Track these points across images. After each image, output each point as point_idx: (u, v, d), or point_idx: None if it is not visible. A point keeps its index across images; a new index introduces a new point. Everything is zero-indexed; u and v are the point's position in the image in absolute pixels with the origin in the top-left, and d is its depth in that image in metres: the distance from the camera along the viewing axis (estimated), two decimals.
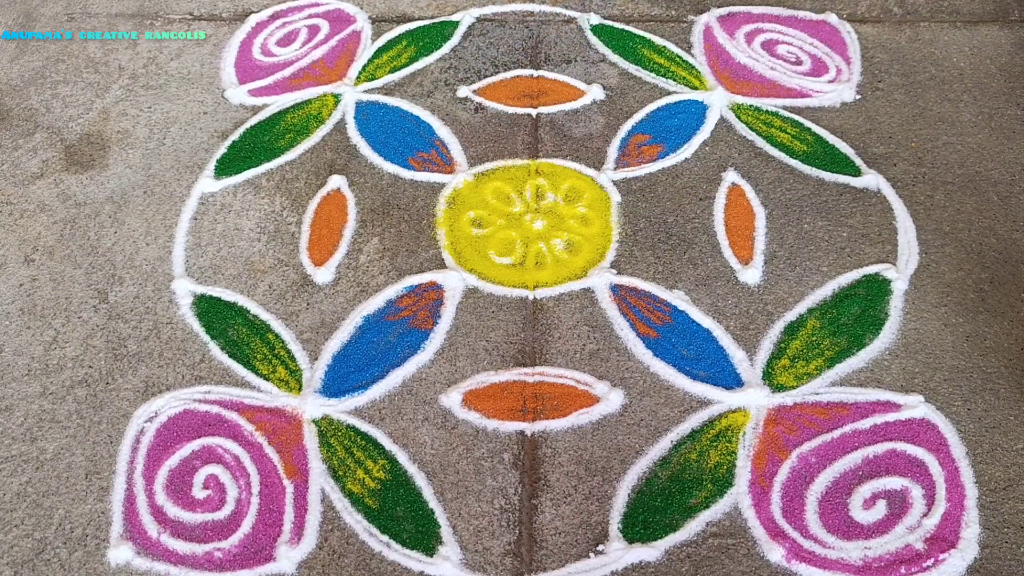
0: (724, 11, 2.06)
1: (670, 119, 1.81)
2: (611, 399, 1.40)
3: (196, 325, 1.52)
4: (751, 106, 1.84)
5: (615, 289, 1.54)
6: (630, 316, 1.50)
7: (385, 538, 1.28)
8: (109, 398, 1.43)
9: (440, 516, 1.30)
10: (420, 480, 1.33)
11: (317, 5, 2.10)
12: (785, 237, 1.60)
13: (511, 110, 1.85)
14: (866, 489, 1.30)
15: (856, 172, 1.70)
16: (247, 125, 1.84)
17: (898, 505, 1.28)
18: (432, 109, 1.86)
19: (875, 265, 1.56)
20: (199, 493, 1.33)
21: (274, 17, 2.08)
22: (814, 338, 1.46)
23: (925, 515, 1.27)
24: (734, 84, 1.89)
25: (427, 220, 1.66)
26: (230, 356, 1.48)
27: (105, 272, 1.60)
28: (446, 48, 1.98)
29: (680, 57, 1.95)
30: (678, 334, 1.48)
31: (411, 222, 1.66)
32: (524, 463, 1.34)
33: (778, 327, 1.49)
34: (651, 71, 1.92)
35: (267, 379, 1.45)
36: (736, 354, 1.45)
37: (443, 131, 1.81)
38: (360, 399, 1.42)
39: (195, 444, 1.38)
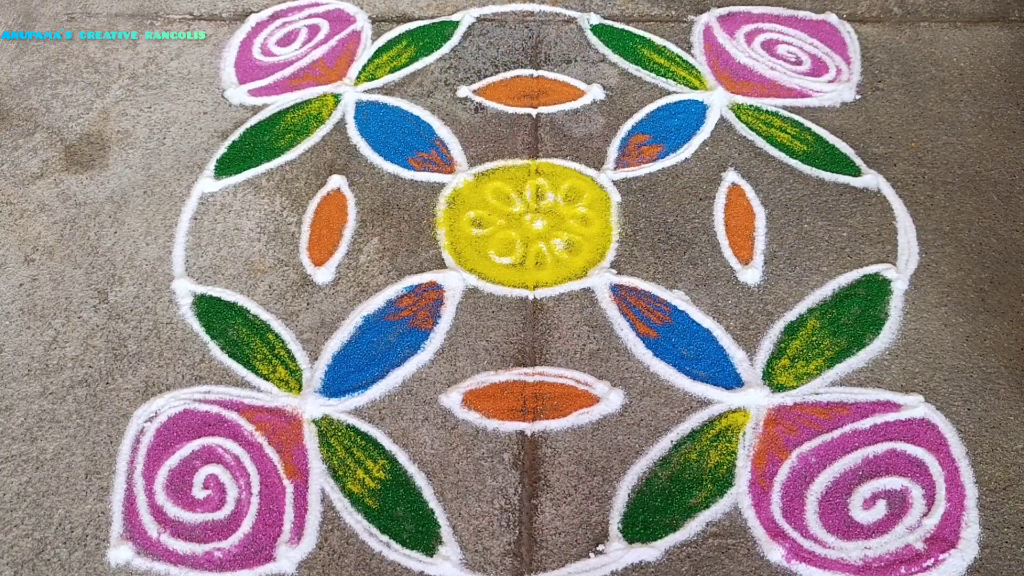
0: (724, 11, 2.06)
1: (670, 119, 1.81)
2: (611, 399, 1.40)
3: (196, 325, 1.52)
4: (751, 106, 1.84)
5: (615, 289, 1.53)
6: (630, 316, 1.50)
7: (385, 538, 1.28)
8: (109, 398, 1.43)
9: (440, 516, 1.30)
10: (420, 480, 1.33)
11: (317, 5, 2.10)
12: (785, 237, 1.60)
13: (511, 110, 1.85)
14: (866, 489, 1.30)
15: (856, 172, 1.70)
16: (247, 125, 1.84)
17: (898, 505, 1.28)
18: (432, 109, 1.86)
19: (875, 265, 1.56)
20: (199, 493, 1.33)
21: (274, 17, 2.08)
22: (814, 338, 1.46)
23: (925, 515, 1.27)
24: (734, 84, 1.89)
25: (427, 220, 1.66)
26: (230, 356, 1.48)
27: (105, 272, 1.60)
28: (446, 48, 1.98)
29: (680, 57, 1.95)
30: (678, 334, 1.48)
31: (411, 222, 1.66)
32: (524, 463, 1.34)
33: (778, 327, 1.49)
34: (651, 71, 1.92)
35: (267, 379, 1.45)
36: (736, 354, 1.45)
37: (443, 131, 1.81)
38: (360, 399, 1.42)
39: (195, 444, 1.38)
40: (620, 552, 1.25)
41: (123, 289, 1.57)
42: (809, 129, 1.79)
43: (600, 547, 1.26)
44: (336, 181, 1.73)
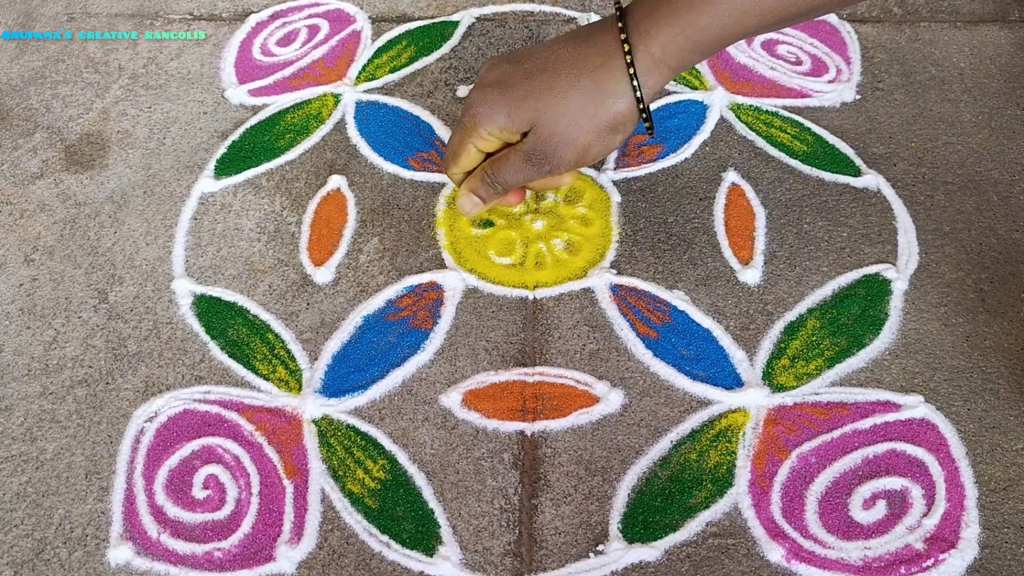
0: None
1: (670, 119, 1.81)
2: (611, 399, 1.40)
3: (196, 325, 1.52)
4: (751, 106, 1.84)
5: (615, 289, 1.53)
6: (630, 316, 1.50)
7: (385, 538, 1.28)
8: (109, 398, 1.43)
9: (440, 516, 1.30)
10: (420, 480, 1.33)
11: (317, 5, 2.10)
12: (785, 237, 1.60)
13: None
14: (866, 489, 1.30)
15: (856, 172, 1.70)
16: (247, 125, 1.84)
17: (898, 505, 1.28)
18: (432, 109, 1.86)
19: (875, 265, 1.56)
20: (199, 493, 1.33)
21: (274, 17, 2.08)
22: (814, 338, 1.46)
23: (925, 515, 1.27)
24: (734, 84, 1.88)
25: (427, 220, 1.66)
26: (230, 356, 1.48)
27: (105, 272, 1.60)
28: (446, 48, 1.98)
29: None
30: (678, 334, 1.48)
31: (411, 222, 1.66)
32: (524, 463, 1.34)
33: (778, 327, 1.49)
34: None
35: (267, 379, 1.45)
36: (736, 354, 1.45)
37: (443, 131, 1.81)
38: (360, 399, 1.42)
39: (195, 444, 1.38)
40: (620, 552, 1.25)
41: (123, 289, 1.57)
42: (809, 129, 1.79)
43: (600, 547, 1.26)
44: (336, 181, 1.73)
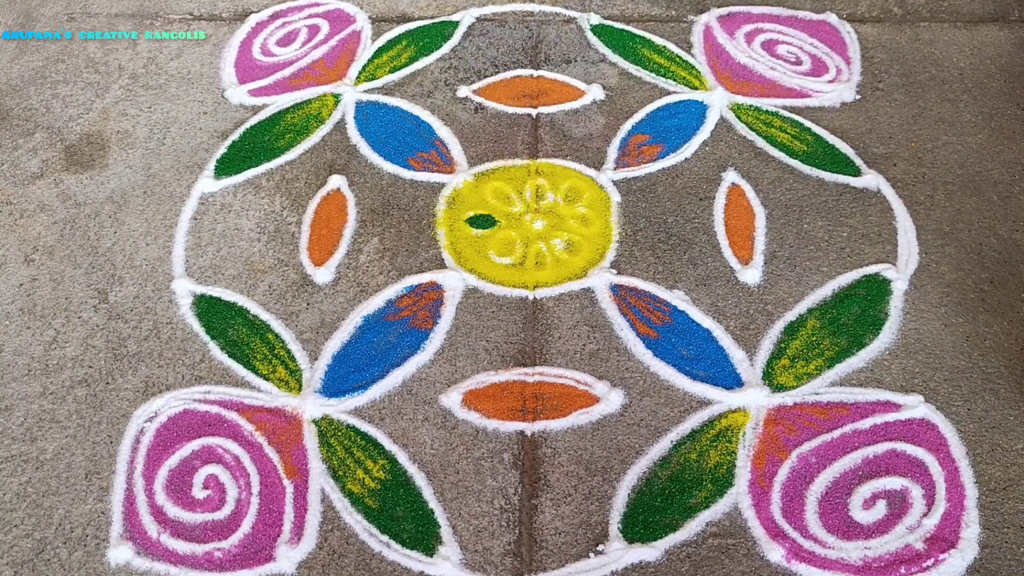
0: (724, 11, 2.06)
1: (670, 119, 1.81)
2: (611, 399, 1.40)
3: (196, 325, 1.52)
4: (751, 106, 1.84)
5: (615, 289, 1.53)
6: (630, 316, 1.50)
7: (385, 538, 1.28)
8: (109, 398, 1.43)
9: (440, 516, 1.30)
10: (420, 480, 1.33)
11: (317, 5, 2.10)
12: (785, 237, 1.60)
13: (511, 110, 1.84)
14: (866, 489, 1.30)
15: (856, 172, 1.70)
16: (247, 125, 1.84)
17: (898, 505, 1.28)
18: (432, 109, 1.86)
19: (875, 265, 1.56)
20: (199, 493, 1.33)
21: (274, 17, 2.08)
22: (814, 338, 1.46)
23: (925, 515, 1.27)
24: (734, 84, 1.89)
25: (427, 220, 1.66)
26: (230, 356, 1.48)
27: (105, 272, 1.60)
28: (446, 48, 1.98)
29: (680, 57, 1.95)
30: (678, 334, 1.48)
31: (411, 222, 1.66)
32: (524, 463, 1.34)
33: (778, 327, 1.49)
34: (651, 71, 1.92)
35: (267, 379, 1.45)
36: (736, 354, 1.45)
37: (443, 131, 1.81)
38: (360, 399, 1.42)
39: (195, 444, 1.38)
40: (620, 552, 1.25)
41: (123, 289, 1.57)
42: (809, 129, 1.79)
43: (600, 547, 1.26)
44: (336, 181, 1.73)
